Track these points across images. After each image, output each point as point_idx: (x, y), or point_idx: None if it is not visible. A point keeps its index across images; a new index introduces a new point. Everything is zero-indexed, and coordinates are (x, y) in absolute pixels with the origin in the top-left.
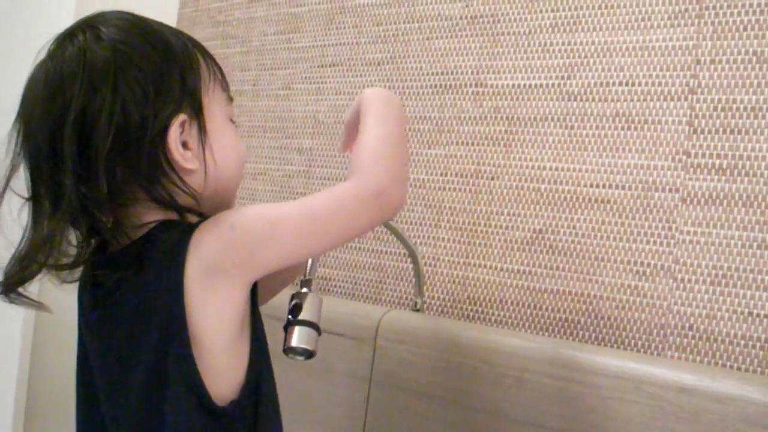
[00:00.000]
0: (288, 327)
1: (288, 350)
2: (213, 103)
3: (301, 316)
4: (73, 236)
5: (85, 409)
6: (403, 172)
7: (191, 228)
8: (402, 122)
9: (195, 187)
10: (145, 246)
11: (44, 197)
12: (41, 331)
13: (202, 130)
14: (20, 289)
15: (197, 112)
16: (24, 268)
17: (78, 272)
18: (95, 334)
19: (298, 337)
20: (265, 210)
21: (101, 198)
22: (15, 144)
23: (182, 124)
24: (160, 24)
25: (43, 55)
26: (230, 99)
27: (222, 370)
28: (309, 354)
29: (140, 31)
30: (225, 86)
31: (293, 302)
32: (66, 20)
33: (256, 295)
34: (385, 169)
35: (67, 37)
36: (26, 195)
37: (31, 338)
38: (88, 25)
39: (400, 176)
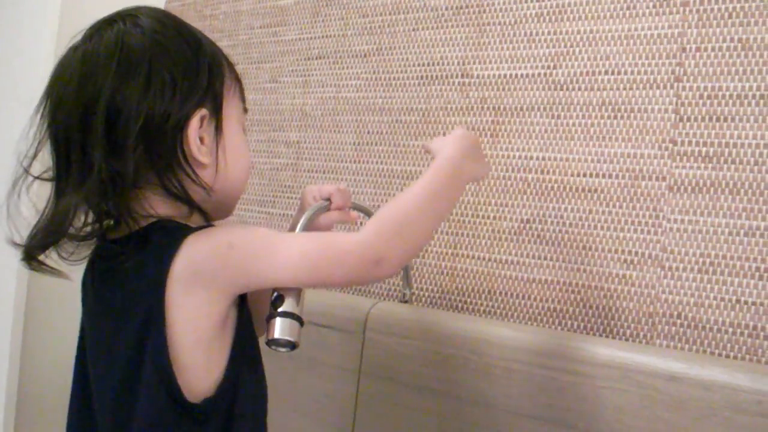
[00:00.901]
0: (270, 319)
1: (271, 342)
2: (231, 108)
3: (282, 308)
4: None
5: (77, 406)
6: (417, 250)
7: (187, 231)
8: (452, 204)
9: (205, 180)
10: (140, 239)
11: (71, 170)
12: (32, 323)
13: (219, 128)
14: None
15: (217, 111)
16: (46, 236)
17: (84, 253)
18: (91, 325)
19: (281, 329)
20: (265, 238)
21: (127, 176)
22: (41, 117)
23: (202, 119)
24: (192, 26)
25: (78, 39)
26: (245, 110)
27: (195, 367)
28: (292, 345)
29: (175, 25)
30: (242, 97)
31: (275, 294)
32: (52, 17)
33: (245, 300)
34: (402, 243)
35: (106, 23)
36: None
37: (21, 332)
38: (127, 14)
39: (411, 254)
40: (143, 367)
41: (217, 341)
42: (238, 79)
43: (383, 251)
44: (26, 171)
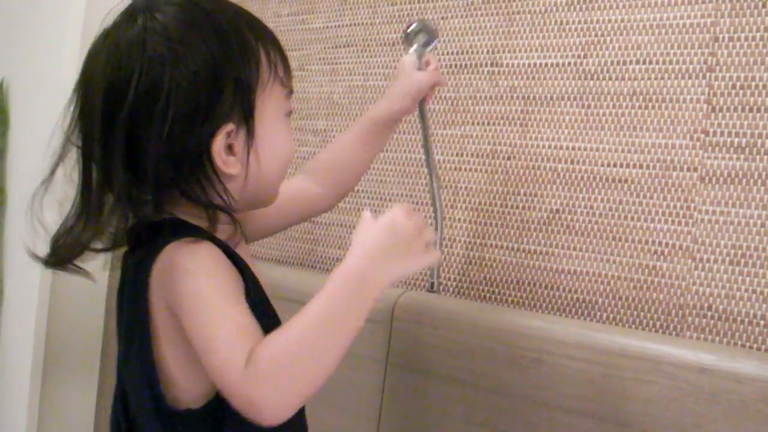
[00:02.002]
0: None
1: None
2: (267, 103)
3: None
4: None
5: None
6: (311, 390)
7: (170, 239)
8: (359, 320)
9: (233, 190)
10: (148, 233)
11: (92, 189)
12: (59, 285)
13: (250, 132)
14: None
15: (247, 118)
16: (71, 246)
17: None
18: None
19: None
20: (209, 305)
21: (146, 203)
22: (73, 112)
23: (228, 134)
24: (220, 7)
25: (107, 24)
26: (290, 92)
27: (178, 379)
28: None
29: (199, 24)
30: (286, 79)
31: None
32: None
33: None
34: (284, 386)
35: (129, 19)
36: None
37: (48, 294)
38: (149, 7)
39: (295, 402)
40: (129, 366)
41: (195, 357)
42: (280, 59)
43: (260, 397)
44: (52, 173)
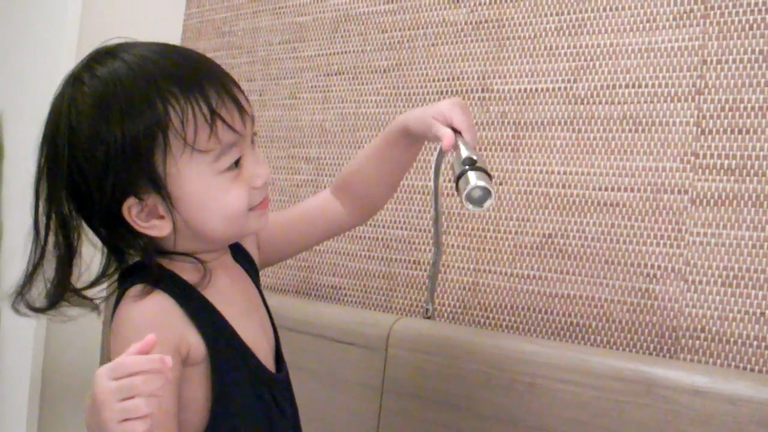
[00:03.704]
0: (460, 177)
1: (467, 197)
2: (186, 169)
3: (464, 156)
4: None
5: None
6: None
7: (127, 287)
8: None
9: (169, 244)
10: (120, 278)
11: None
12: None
13: (167, 198)
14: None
15: (158, 188)
16: (53, 294)
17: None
18: None
19: (476, 177)
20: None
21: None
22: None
23: (138, 203)
24: (143, 73)
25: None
26: (226, 147)
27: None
28: (486, 194)
29: (106, 104)
30: (216, 139)
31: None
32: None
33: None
34: None
35: (67, 82)
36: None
37: (44, 330)
38: (77, 77)
39: None
40: None
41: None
42: (209, 112)
43: None
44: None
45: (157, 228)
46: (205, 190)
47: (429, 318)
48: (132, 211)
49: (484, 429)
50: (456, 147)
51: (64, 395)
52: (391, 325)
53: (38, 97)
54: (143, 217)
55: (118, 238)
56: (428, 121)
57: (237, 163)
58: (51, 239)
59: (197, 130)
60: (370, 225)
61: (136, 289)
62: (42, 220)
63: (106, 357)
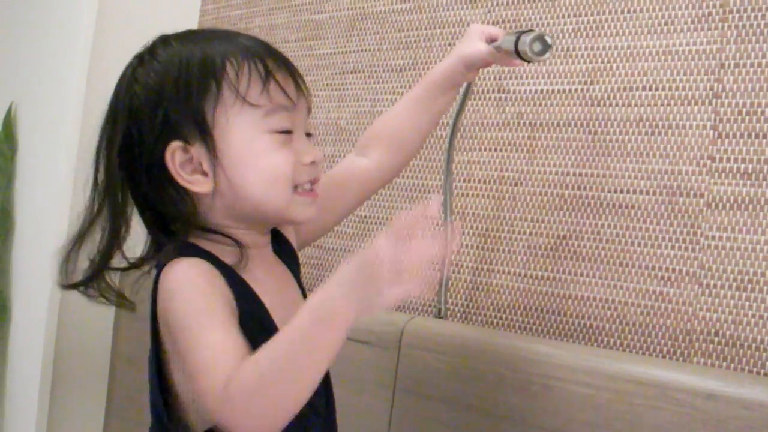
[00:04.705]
0: (517, 44)
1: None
2: (236, 120)
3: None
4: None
5: None
6: (279, 418)
7: (169, 258)
8: (329, 351)
9: (207, 209)
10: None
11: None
12: (67, 309)
13: (212, 151)
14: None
15: (204, 136)
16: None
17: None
18: None
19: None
20: (193, 321)
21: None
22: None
23: (183, 150)
24: (208, 38)
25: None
26: (278, 108)
27: (184, 401)
28: (544, 41)
29: (172, 57)
30: (262, 98)
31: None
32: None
33: None
34: (254, 411)
35: (135, 59)
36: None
37: (56, 317)
38: (147, 52)
39: (268, 426)
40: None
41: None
42: (253, 77)
43: (229, 421)
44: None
45: (200, 184)
46: (250, 144)
47: (441, 318)
48: (176, 158)
49: (497, 429)
50: (502, 42)
51: (74, 387)
52: (403, 325)
53: (52, 91)
54: (187, 169)
55: (162, 199)
56: (478, 45)
57: (288, 134)
58: (104, 212)
59: (250, 83)
60: (382, 224)
61: (178, 260)
62: (96, 191)
63: (119, 348)
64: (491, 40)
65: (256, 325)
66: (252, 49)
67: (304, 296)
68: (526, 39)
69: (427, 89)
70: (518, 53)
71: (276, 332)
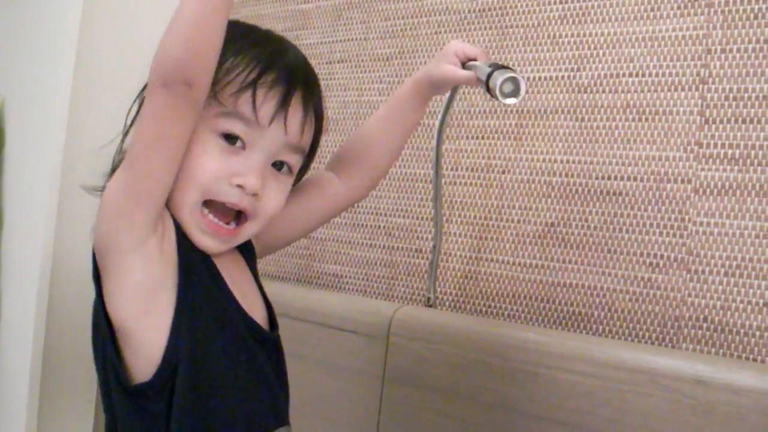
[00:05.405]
0: (488, 81)
1: (501, 93)
2: (204, 110)
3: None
4: None
5: None
6: (201, 36)
7: None
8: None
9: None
10: None
11: None
12: (56, 304)
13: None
14: None
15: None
16: None
17: None
18: None
19: (500, 73)
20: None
21: None
22: None
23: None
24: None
25: None
26: (235, 114)
27: (136, 346)
28: (516, 83)
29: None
30: (235, 101)
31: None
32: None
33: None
34: (172, 40)
35: None
36: None
37: (45, 311)
38: None
39: (193, 44)
40: (98, 347)
41: (149, 315)
42: (239, 82)
43: (159, 67)
44: None
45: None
46: (195, 136)
47: (430, 306)
48: None
49: (486, 417)
50: (476, 68)
51: (64, 384)
52: (392, 314)
53: (40, 84)
54: None
55: None
56: (445, 67)
57: (233, 145)
58: None
59: (232, 82)
60: (372, 213)
61: None
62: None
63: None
64: (468, 59)
65: (222, 312)
66: (275, 58)
67: (260, 289)
68: (499, 78)
69: (396, 107)
70: (488, 88)
71: (243, 317)
